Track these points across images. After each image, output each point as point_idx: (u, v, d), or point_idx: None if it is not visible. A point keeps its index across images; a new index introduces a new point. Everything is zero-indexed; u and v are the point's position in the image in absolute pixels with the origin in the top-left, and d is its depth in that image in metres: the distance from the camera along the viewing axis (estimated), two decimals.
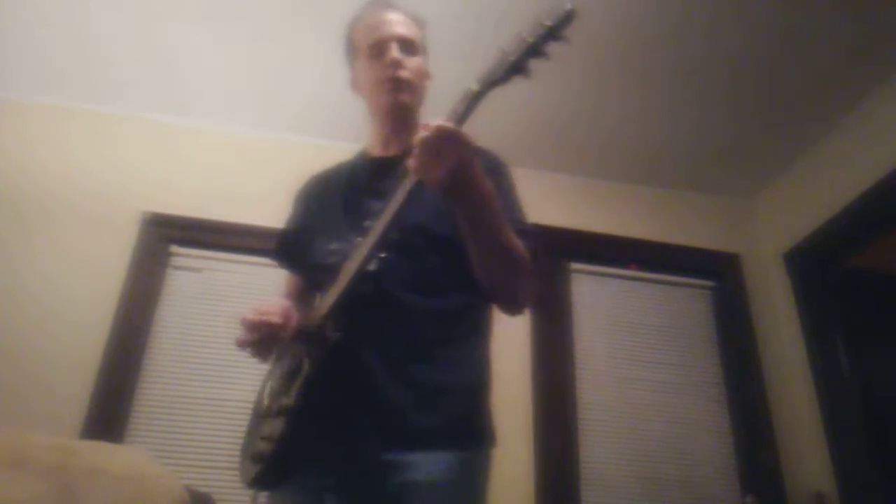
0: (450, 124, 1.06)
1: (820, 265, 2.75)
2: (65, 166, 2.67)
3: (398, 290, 1.19)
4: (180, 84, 2.68)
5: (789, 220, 2.91)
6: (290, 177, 2.97)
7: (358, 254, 1.15)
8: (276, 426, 1.18)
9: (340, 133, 2.88)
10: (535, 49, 1.01)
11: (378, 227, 1.13)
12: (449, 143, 1.05)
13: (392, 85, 1.35)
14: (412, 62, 1.37)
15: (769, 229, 3.05)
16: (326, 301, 1.19)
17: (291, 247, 1.45)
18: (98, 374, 2.31)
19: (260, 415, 1.28)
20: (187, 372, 2.42)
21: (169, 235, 2.62)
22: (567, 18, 1.00)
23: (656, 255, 2.97)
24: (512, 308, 1.29)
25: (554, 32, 1.00)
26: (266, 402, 1.27)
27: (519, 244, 1.21)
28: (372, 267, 1.16)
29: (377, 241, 1.13)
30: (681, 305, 2.94)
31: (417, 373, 1.15)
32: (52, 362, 2.31)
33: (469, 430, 1.16)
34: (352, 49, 1.46)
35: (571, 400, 2.61)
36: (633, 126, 2.78)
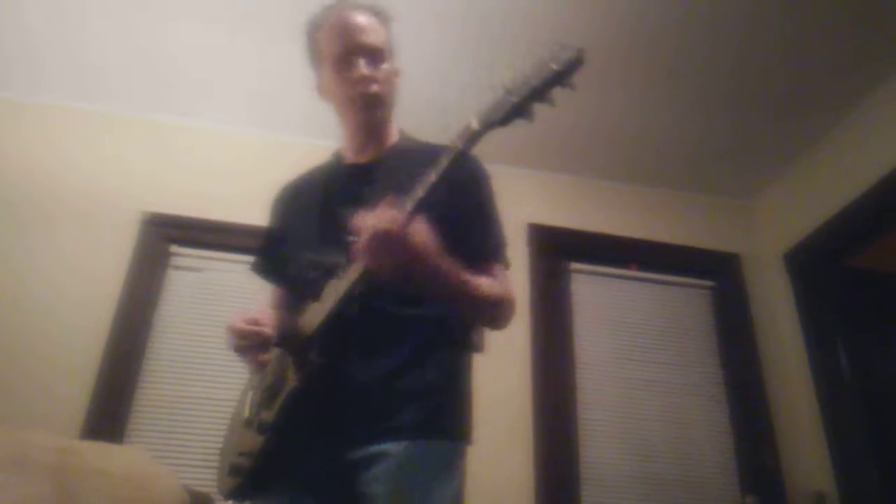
0: (396, 225, 1.01)
1: (820, 265, 2.75)
2: (65, 167, 2.67)
3: (382, 303, 1.18)
4: (181, 84, 2.68)
5: (789, 220, 2.91)
6: (291, 177, 2.97)
7: (346, 276, 1.13)
8: (255, 441, 1.18)
9: (341, 133, 2.88)
10: (539, 94, 0.96)
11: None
12: (394, 245, 1.02)
13: (363, 102, 1.32)
14: (381, 72, 1.32)
15: (769, 229, 3.05)
16: (312, 319, 1.18)
17: (270, 259, 1.45)
18: (98, 374, 2.31)
19: (240, 425, 1.28)
20: (187, 372, 2.42)
21: (169, 235, 2.62)
22: (575, 65, 0.94)
23: (656, 255, 2.97)
24: (494, 329, 1.30)
25: (560, 78, 0.95)
26: (246, 412, 1.26)
27: (490, 291, 1.21)
28: (356, 290, 1.14)
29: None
30: (681, 305, 2.93)
31: (397, 378, 1.17)
32: (52, 362, 2.31)
33: (444, 423, 1.18)
34: (315, 54, 1.40)
35: (571, 400, 2.61)
36: (633, 126, 2.78)
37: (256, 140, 2.89)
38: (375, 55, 1.32)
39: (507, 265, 1.31)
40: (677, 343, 2.84)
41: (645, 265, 2.96)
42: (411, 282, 1.08)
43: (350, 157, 1.41)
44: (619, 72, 2.51)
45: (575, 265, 2.90)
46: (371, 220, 1.02)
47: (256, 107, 2.79)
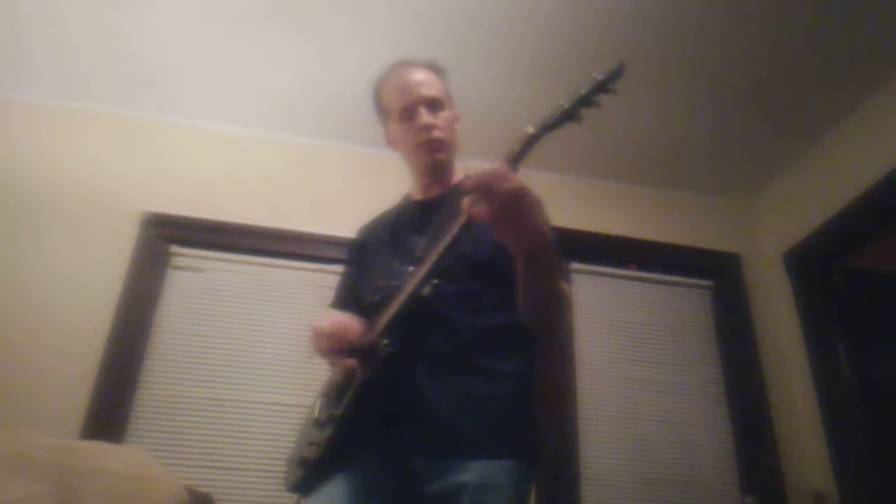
0: (498, 167, 1.09)
1: (820, 265, 2.75)
2: (64, 166, 2.67)
3: (446, 309, 1.25)
4: (180, 84, 2.68)
5: (789, 220, 2.91)
6: (291, 177, 2.99)
7: (411, 280, 1.21)
8: (324, 433, 1.24)
9: (339, 133, 2.89)
10: (586, 100, 1.13)
11: (432, 256, 1.20)
12: (496, 183, 1.08)
13: (428, 147, 1.45)
14: (441, 119, 1.46)
15: (769, 229, 3.05)
16: (380, 321, 1.24)
17: (347, 297, 1.53)
18: (98, 374, 2.31)
19: (310, 425, 1.34)
20: (187, 372, 2.42)
21: (169, 235, 2.62)
22: (616, 74, 1.11)
23: (656, 255, 2.97)
24: (544, 336, 1.36)
25: (604, 86, 1.13)
26: (316, 413, 1.33)
27: (565, 288, 1.29)
28: (424, 292, 1.22)
29: (431, 269, 1.19)
30: (681, 305, 2.93)
31: (461, 384, 1.21)
32: (52, 362, 2.31)
33: (509, 441, 1.20)
34: (381, 110, 1.55)
35: (571, 400, 2.61)
36: (633, 127, 2.78)
37: (257, 140, 2.89)
38: (435, 105, 1.47)
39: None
40: (677, 343, 2.84)
41: (645, 265, 2.96)
42: (515, 228, 1.12)
43: (417, 196, 1.54)
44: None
45: (575, 265, 2.90)
46: (479, 170, 1.09)
47: (258, 107, 2.79)
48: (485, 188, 1.07)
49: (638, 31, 2.34)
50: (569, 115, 1.13)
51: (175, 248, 2.63)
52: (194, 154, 2.82)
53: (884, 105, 2.50)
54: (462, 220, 1.15)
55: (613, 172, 3.06)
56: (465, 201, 1.12)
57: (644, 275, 2.95)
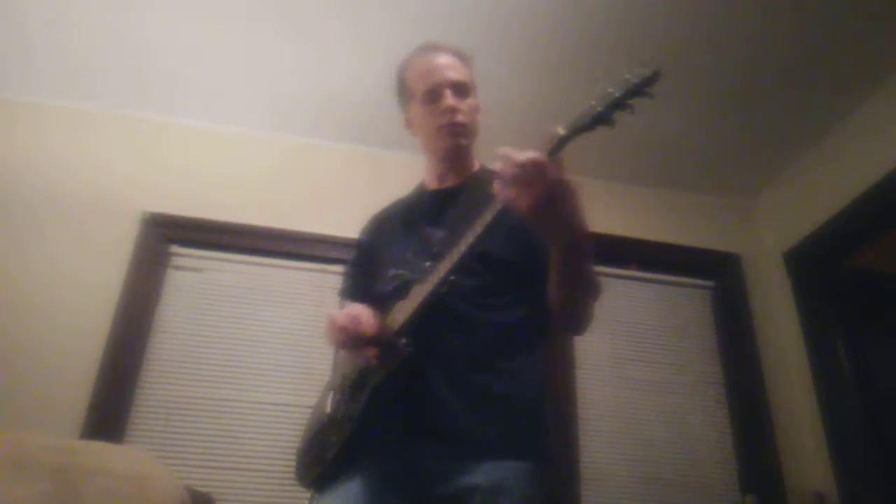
0: (542, 156, 1.06)
1: (820, 265, 2.75)
2: (66, 166, 2.67)
3: (462, 305, 1.25)
4: (181, 85, 2.68)
5: (789, 220, 2.91)
6: (290, 177, 2.99)
7: (431, 279, 1.20)
8: (339, 432, 1.24)
9: (339, 133, 2.89)
10: (619, 103, 1.08)
11: (454, 255, 1.18)
12: (540, 173, 1.05)
13: (450, 130, 1.42)
14: (465, 104, 1.44)
15: (769, 229, 3.05)
16: (398, 318, 1.23)
17: (357, 283, 1.53)
18: (98, 374, 2.31)
19: (322, 421, 1.33)
20: (187, 372, 2.42)
21: (169, 235, 2.62)
22: (652, 78, 1.07)
23: (656, 255, 2.97)
24: (576, 331, 1.37)
25: (639, 89, 1.07)
26: (329, 409, 1.32)
27: (598, 279, 1.28)
28: (443, 290, 1.21)
29: (453, 267, 1.18)
30: (681, 305, 2.93)
31: (476, 382, 1.20)
32: (52, 362, 2.31)
33: (524, 442, 1.20)
34: (405, 92, 1.52)
35: (571, 400, 2.61)
36: (633, 127, 2.77)
37: (257, 140, 2.89)
38: (460, 89, 1.44)
39: None
40: (677, 343, 2.84)
41: (645, 265, 2.96)
42: (554, 219, 1.09)
43: (433, 185, 1.51)
44: (619, 73, 2.51)
45: None
46: (518, 154, 1.05)
47: (257, 107, 2.79)
48: (526, 177, 1.04)
49: (636, 33, 2.34)
50: (602, 119, 1.08)
51: (175, 248, 2.62)
52: (195, 154, 2.81)
53: (883, 105, 2.50)
54: (495, 208, 1.11)
55: (613, 172, 3.06)
56: (497, 186, 1.07)
57: (644, 275, 2.95)
